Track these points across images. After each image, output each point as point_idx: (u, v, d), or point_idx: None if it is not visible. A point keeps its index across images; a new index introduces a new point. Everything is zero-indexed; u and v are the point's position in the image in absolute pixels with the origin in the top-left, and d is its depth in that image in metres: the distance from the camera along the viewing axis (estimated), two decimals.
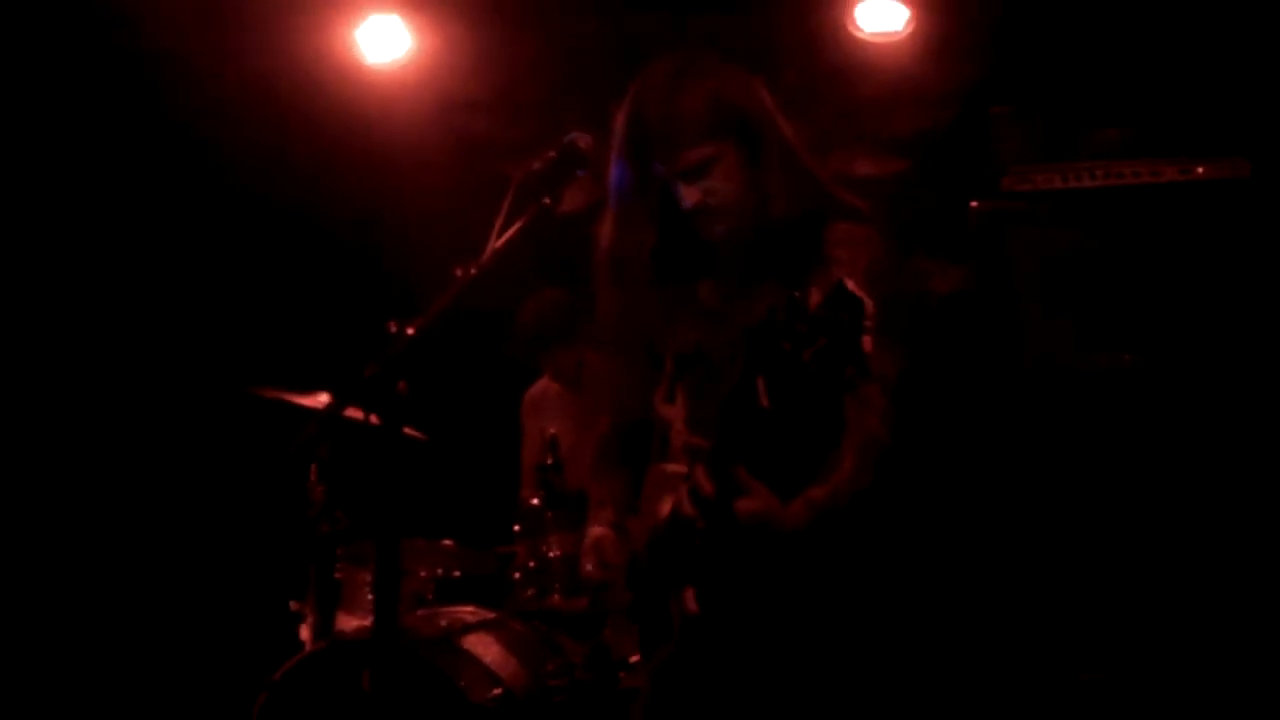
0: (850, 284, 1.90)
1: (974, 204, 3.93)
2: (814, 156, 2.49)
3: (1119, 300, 3.83)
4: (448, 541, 4.20)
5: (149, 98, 5.17)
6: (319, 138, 5.30)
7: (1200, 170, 3.82)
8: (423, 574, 4.11)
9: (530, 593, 3.94)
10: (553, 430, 4.13)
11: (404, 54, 5.37)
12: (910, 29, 5.11)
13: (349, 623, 3.92)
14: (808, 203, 2.41)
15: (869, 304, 1.90)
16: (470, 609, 4.01)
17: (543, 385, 4.82)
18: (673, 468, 2.49)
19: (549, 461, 4.02)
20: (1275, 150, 3.84)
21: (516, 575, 4.00)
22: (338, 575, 3.93)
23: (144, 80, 5.11)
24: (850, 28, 5.12)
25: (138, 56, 5.01)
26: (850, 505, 2.28)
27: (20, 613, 4.80)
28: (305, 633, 3.84)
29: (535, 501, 3.99)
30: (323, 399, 3.85)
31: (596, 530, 2.56)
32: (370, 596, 3.92)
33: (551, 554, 3.93)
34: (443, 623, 3.84)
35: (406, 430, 3.78)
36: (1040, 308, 3.86)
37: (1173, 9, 4.55)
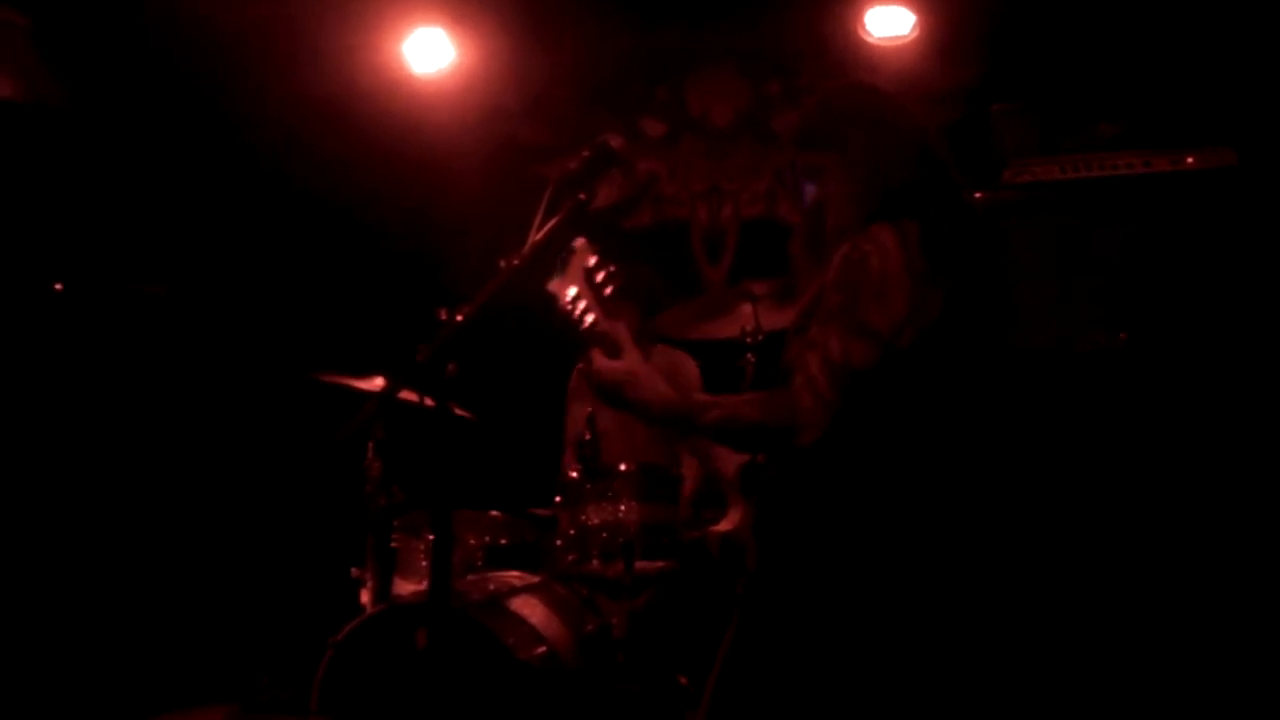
0: None
1: (977, 195, 3.82)
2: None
3: (1115, 284, 3.73)
4: (495, 512, 4.17)
5: (224, 110, 5.22)
6: (372, 143, 5.31)
7: (1190, 160, 3.73)
8: (472, 542, 4.08)
9: (571, 558, 3.92)
10: (590, 409, 4.05)
11: (448, 65, 5.38)
12: (916, 33, 5.09)
13: (405, 587, 3.91)
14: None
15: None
16: (516, 574, 3.99)
17: None
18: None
19: (587, 437, 3.96)
20: (1259, 140, 3.76)
21: (558, 542, 3.97)
22: (394, 544, 3.89)
23: (219, 94, 5.17)
24: (860, 33, 5.11)
25: (214, 76, 5.08)
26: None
27: (111, 575, 4.82)
28: (365, 597, 3.83)
29: (574, 474, 3.95)
30: (379, 383, 3.82)
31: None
32: (424, 563, 3.90)
33: (590, 522, 3.90)
34: (491, 586, 3.82)
35: (456, 410, 3.79)
36: (1040, 292, 3.75)
37: (1161, 11, 4.48)
